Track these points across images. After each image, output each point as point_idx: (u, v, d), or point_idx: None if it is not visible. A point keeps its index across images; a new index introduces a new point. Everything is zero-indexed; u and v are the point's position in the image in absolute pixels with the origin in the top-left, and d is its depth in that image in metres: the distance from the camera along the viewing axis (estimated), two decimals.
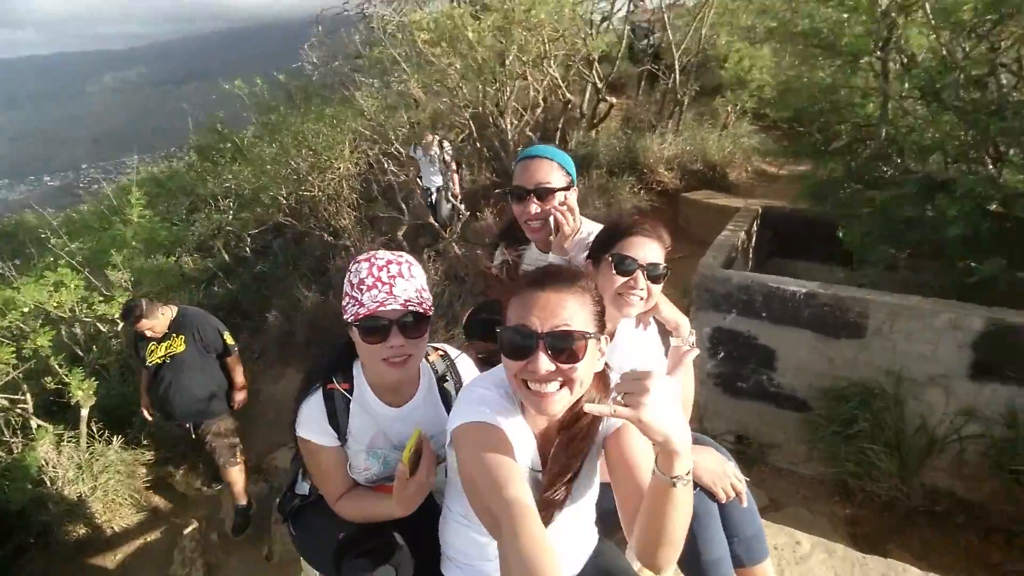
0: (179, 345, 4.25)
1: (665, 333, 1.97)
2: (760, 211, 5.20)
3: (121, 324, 5.60)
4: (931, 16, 3.57)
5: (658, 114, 9.14)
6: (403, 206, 7.22)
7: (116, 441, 5.25)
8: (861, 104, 4.28)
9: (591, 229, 2.05)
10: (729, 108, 8.30)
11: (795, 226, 5.16)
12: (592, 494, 1.49)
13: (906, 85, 3.99)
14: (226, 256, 8.99)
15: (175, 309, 4.38)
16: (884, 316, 3.32)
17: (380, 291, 1.52)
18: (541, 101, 6.86)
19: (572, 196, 2.05)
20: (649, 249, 1.74)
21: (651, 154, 7.40)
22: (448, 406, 1.77)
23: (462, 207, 7.11)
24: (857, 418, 3.41)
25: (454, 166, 7.13)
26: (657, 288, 1.77)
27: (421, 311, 1.55)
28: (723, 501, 1.73)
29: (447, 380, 1.79)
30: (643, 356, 1.88)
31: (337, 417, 1.64)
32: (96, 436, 5.17)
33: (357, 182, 8.02)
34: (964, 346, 3.15)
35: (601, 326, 1.32)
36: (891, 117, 4.03)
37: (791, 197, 5.88)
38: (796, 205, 5.21)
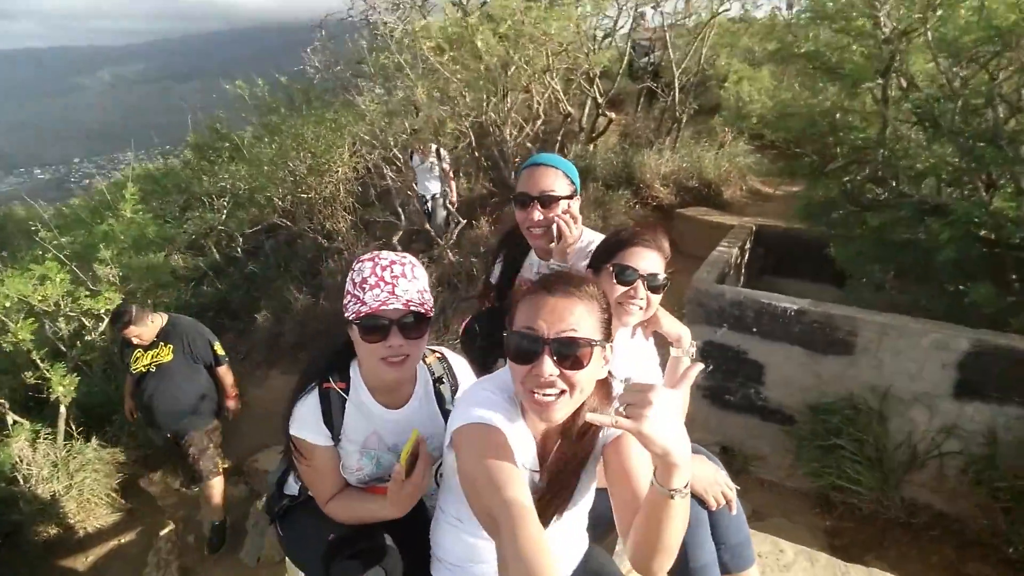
0: (167, 355, 4.15)
1: (661, 344, 1.99)
2: (754, 229, 5.26)
3: (107, 321, 5.55)
4: (932, 44, 3.64)
5: (656, 131, 9.22)
6: (400, 211, 7.23)
7: (95, 439, 5.19)
8: (859, 128, 4.35)
9: (592, 238, 2.08)
10: (727, 128, 8.39)
11: (788, 245, 5.22)
12: (588, 500, 1.49)
13: (904, 108, 4.06)
14: (217, 256, 8.96)
15: (165, 317, 4.29)
16: (873, 334, 3.36)
17: (382, 291, 1.52)
18: (541, 113, 6.91)
19: (575, 204, 2.08)
20: (649, 259, 1.77)
21: (648, 170, 7.46)
22: (444, 409, 1.77)
23: (456, 216, 7.14)
24: (841, 432, 3.44)
25: (451, 174, 7.16)
26: (657, 298, 1.79)
27: (422, 312, 1.56)
28: (714, 508, 1.74)
29: (443, 383, 1.79)
30: (639, 364, 1.90)
31: (332, 416, 1.63)
32: (75, 433, 5.10)
33: (354, 186, 8.03)
34: (949, 366, 3.19)
35: (607, 334, 1.33)
36: (888, 141, 4.09)
37: (785, 216, 5.95)
38: (790, 224, 5.27)
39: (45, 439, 4.90)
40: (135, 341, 4.10)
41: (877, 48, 3.96)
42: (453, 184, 7.24)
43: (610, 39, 9.11)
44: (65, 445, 4.95)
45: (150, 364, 4.13)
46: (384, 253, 1.60)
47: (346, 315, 1.55)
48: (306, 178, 7.45)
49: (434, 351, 1.83)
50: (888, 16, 3.86)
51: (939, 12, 3.60)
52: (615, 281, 1.74)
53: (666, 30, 8.91)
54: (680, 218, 6.79)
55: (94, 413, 5.52)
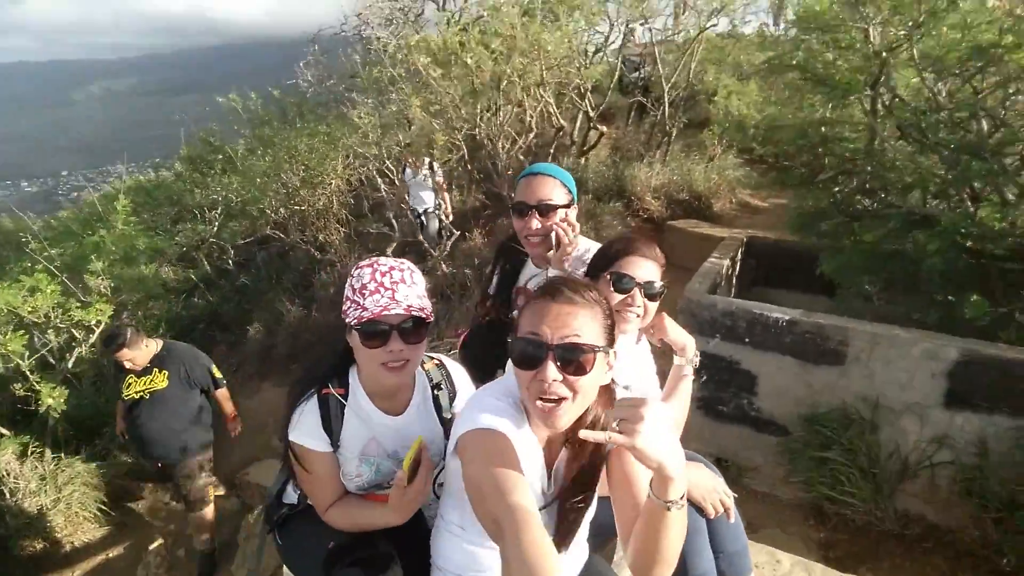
0: (161, 381, 4.02)
1: (661, 353, 2.01)
2: (745, 240, 5.31)
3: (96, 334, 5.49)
4: (918, 59, 3.72)
5: (646, 144, 9.32)
6: (393, 223, 7.24)
7: (84, 452, 5.13)
8: (849, 139, 4.42)
9: (588, 246, 2.11)
10: (716, 141, 8.50)
11: (778, 256, 5.27)
12: (592, 510, 1.50)
13: (890, 122, 4.14)
14: (208, 268, 8.92)
15: (160, 343, 4.16)
16: (864, 344, 3.39)
17: (383, 296, 1.54)
18: (534, 126, 6.97)
19: (572, 213, 2.11)
20: (646, 268, 1.79)
21: (639, 182, 7.53)
22: (441, 416, 1.77)
23: (451, 228, 7.16)
24: (833, 443, 3.45)
25: (445, 187, 7.20)
26: (654, 306, 1.82)
27: (423, 316, 1.57)
28: (712, 516, 1.75)
29: (442, 389, 1.79)
30: (638, 371, 1.91)
31: (331, 422, 1.63)
32: (63, 446, 5.04)
33: (347, 198, 8.05)
34: (939, 375, 3.22)
35: (611, 340, 1.34)
36: (876, 153, 4.16)
37: (774, 228, 6.01)
38: (780, 236, 5.32)
39: (33, 452, 4.83)
40: (127, 365, 3.96)
41: (866, 60, 4.04)
42: (447, 196, 7.27)
43: (601, 54, 9.23)
44: (53, 458, 4.89)
45: (143, 391, 3.99)
46: (382, 259, 1.61)
47: (347, 321, 1.56)
48: (299, 190, 7.47)
49: (432, 358, 1.84)
50: (877, 30, 3.94)
51: (924, 28, 3.68)
52: (612, 289, 1.76)
53: (655, 46, 9.03)
54: (671, 230, 6.84)
55: (83, 426, 5.47)
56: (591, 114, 8.00)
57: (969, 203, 3.76)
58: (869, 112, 4.24)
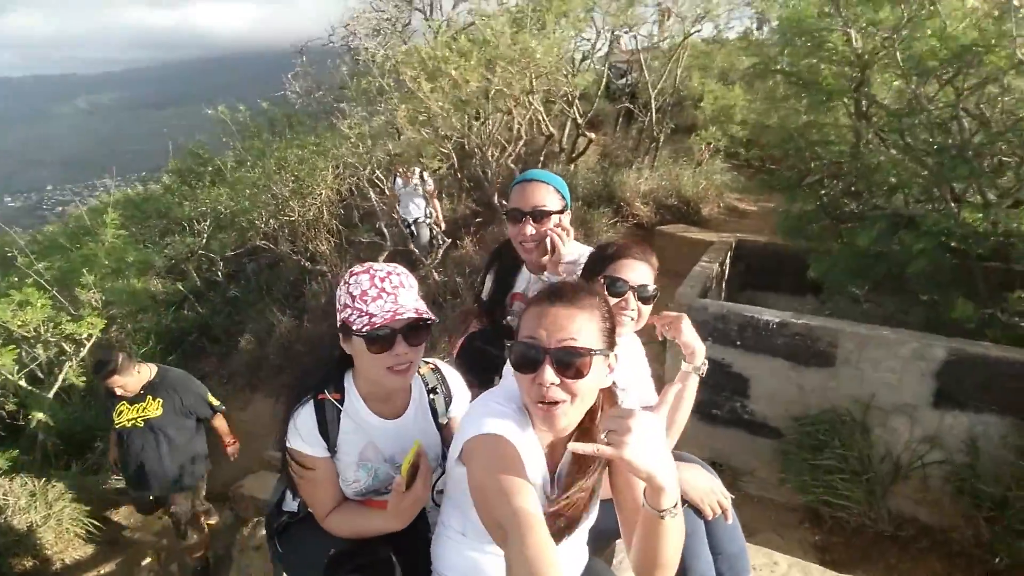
0: (155, 409, 3.81)
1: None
2: (734, 244, 5.36)
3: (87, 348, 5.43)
4: (901, 62, 3.78)
5: (634, 150, 9.40)
6: (384, 231, 7.25)
7: (75, 467, 5.07)
8: (834, 142, 4.49)
9: (581, 251, 2.13)
10: (704, 146, 8.59)
11: (767, 259, 5.32)
12: (592, 514, 1.51)
13: (871, 123, 4.20)
14: (198, 280, 8.87)
15: (154, 369, 3.94)
16: (853, 345, 3.43)
17: (387, 301, 1.54)
18: (523, 134, 7.01)
19: (566, 218, 2.14)
20: (639, 271, 1.81)
21: (628, 188, 7.59)
22: (437, 420, 1.78)
23: (442, 236, 7.18)
24: (826, 445, 3.48)
25: (435, 196, 7.22)
26: (647, 309, 1.83)
27: (428, 319, 1.58)
28: (710, 518, 1.76)
29: (437, 393, 1.80)
30: (633, 372, 1.93)
31: (327, 427, 1.63)
32: (54, 461, 4.98)
33: (338, 208, 8.05)
34: (928, 375, 3.27)
35: (610, 343, 1.35)
36: (861, 155, 4.23)
37: (762, 232, 6.07)
38: (769, 239, 5.37)
39: (22, 468, 4.76)
40: (119, 392, 3.74)
41: (849, 65, 4.11)
42: (437, 205, 7.29)
43: (588, 61, 9.32)
44: (44, 473, 4.83)
45: (136, 419, 3.79)
46: (378, 265, 1.62)
47: (353, 328, 1.54)
48: (289, 201, 7.45)
49: (427, 362, 1.84)
50: (859, 34, 4.01)
51: (904, 32, 3.75)
52: (606, 293, 1.77)
53: (641, 52, 9.13)
54: (660, 235, 6.90)
55: (74, 440, 5.40)
56: (580, 121, 8.06)
57: (952, 204, 3.82)
58: (853, 115, 4.31)
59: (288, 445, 1.64)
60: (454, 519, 1.51)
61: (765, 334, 3.66)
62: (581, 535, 1.55)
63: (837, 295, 4.35)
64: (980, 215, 3.60)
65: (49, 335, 5.19)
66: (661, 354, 4.12)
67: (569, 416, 1.32)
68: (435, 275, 6.62)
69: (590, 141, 8.30)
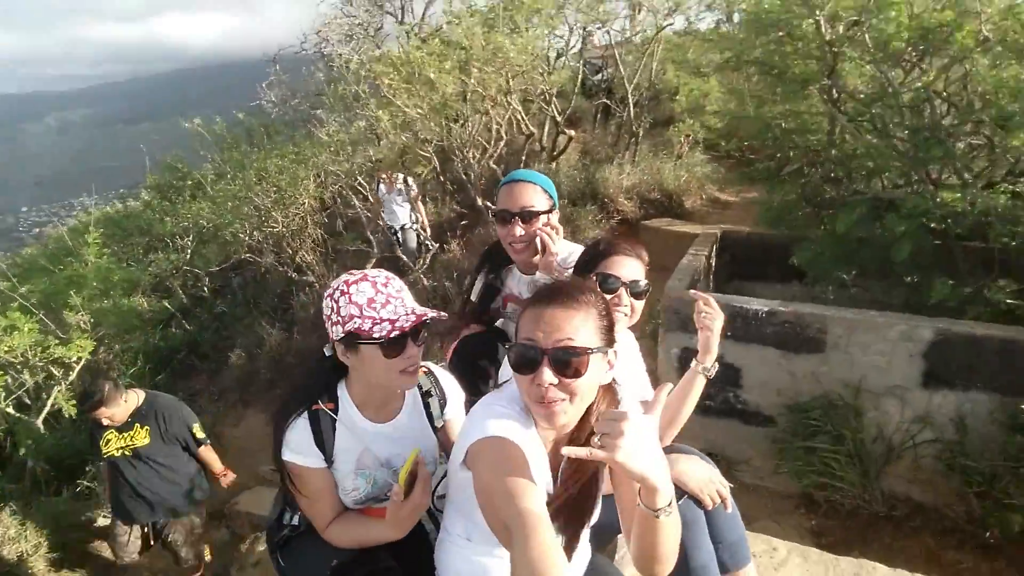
0: (142, 437, 3.66)
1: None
2: (719, 235, 5.40)
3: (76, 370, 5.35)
4: (870, 46, 3.83)
5: (614, 146, 9.44)
6: (371, 239, 7.22)
7: (66, 492, 4.99)
8: (811, 130, 4.54)
9: (571, 249, 2.15)
10: (683, 138, 8.65)
11: (752, 249, 5.36)
12: (597, 510, 1.53)
13: (846, 109, 4.25)
14: (184, 297, 8.79)
15: (141, 396, 3.79)
16: (842, 330, 3.47)
17: (396, 305, 1.56)
18: (503, 135, 7.02)
19: (555, 217, 2.15)
20: (631, 267, 1.83)
21: (610, 184, 7.63)
22: (433, 423, 1.79)
23: (429, 241, 7.17)
24: (819, 430, 3.52)
25: (419, 201, 7.20)
26: (640, 304, 1.85)
27: (432, 317, 1.58)
28: (710, 508, 1.79)
29: (432, 396, 1.80)
30: (628, 368, 1.95)
31: (323, 437, 1.63)
32: (44, 487, 4.90)
33: (321, 217, 8.00)
34: (916, 356, 3.31)
35: (609, 340, 1.37)
36: (838, 141, 4.28)
37: (745, 222, 6.13)
38: (753, 229, 5.42)
39: (11, 496, 4.68)
40: (105, 422, 3.60)
41: (819, 51, 4.15)
42: (422, 209, 7.28)
43: (563, 58, 9.35)
44: (33, 501, 4.75)
45: (124, 447, 3.65)
46: (373, 271, 1.63)
47: (373, 335, 1.53)
48: (271, 212, 7.40)
49: (421, 366, 1.85)
50: (827, 20, 4.05)
51: (871, 17, 3.80)
52: (599, 289, 1.79)
53: (615, 47, 9.17)
54: (645, 230, 6.94)
55: (63, 465, 5.31)
56: (559, 119, 8.09)
57: (931, 186, 3.89)
58: (828, 101, 4.36)
59: (284, 458, 1.64)
60: (458, 524, 1.52)
61: (755, 323, 3.69)
62: (586, 530, 1.57)
63: (823, 281, 4.39)
64: (958, 195, 3.66)
65: (37, 360, 5.10)
66: (653, 348, 4.15)
67: (569, 414, 1.33)
68: (424, 280, 6.61)
69: (570, 139, 8.33)
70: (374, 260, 7.06)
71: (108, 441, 3.63)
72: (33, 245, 11.51)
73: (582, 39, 9.64)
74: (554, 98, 7.95)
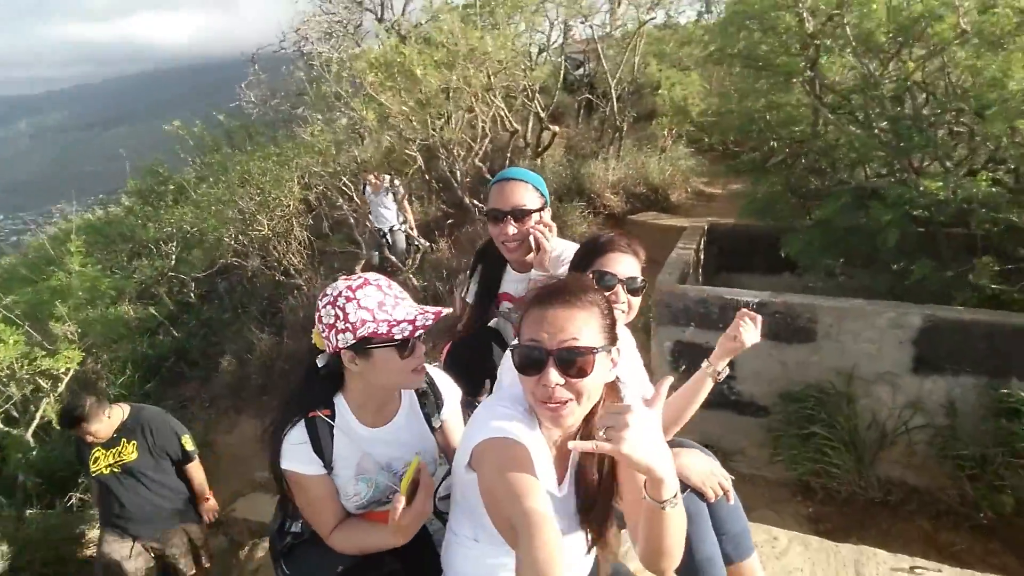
0: (130, 452, 3.52)
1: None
2: (706, 228, 5.44)
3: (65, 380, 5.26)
4: (852, 39, 3.87)
5: (598, 141, 9.45)
6: (360, 240, 7.18)
7: (58, 505, 4.92)
8: (795, 121, 4.59)
9: (564, 247, 2.14)
10: (666, 132, 8.68)
11: (739, 241, 5.41)
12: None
13: (828, 101, 4.30)
14: (170, 304, 8.68)
15: (127, 409, 3.65)
16: (832, 319, 3.52)
17: (404, 308, 1.56)
18: (488, 132, 7.01)
19: (547, 215, 2.14)
20: (627, 264, 1.83)
21: (596, 179, 7.66)
22: (430, 424, 1.79)
23: (420, 241, 7.15)
24: (813, 419, 3.57)
25: (406, 201, 7.17)
26: (636, 301, 1.85)
27: (436, 314, 1.59)
28: (712, 500, 1.80)
29: (428, 397, 1.80)
30: (627, 365, 1.95)
31: (321, 443, 1.62)
32: (35, 501, 4.83)
33: (307, 218, 7.94)
34: (906, 342, 3.37)
35: (612, 338, 1.37)
36: (821, 133, 4.33)
37: (730, 214, 6.17)
38: (739, 221, 5.47)
39: (1, 509, 4.62)
40: (89, 439, 3.45)
41: (801, 43, 4.19)
42: (409, 209, 7.24)
43: (545, 54, 9.33)
44: (24, 515, 4.68)
45: (113, 464, 3.52)
46: (370, 275, 1.62)
47: (393, 337, 1.52)
48: (256, 215, 7.32)
49: None
50: (809, 12, 4.09)
51: (852, 10, 3.85)
52: (596, 287, 1.80)
53: (597, 42, 9.17)
54: (633, 224, 6.97)
55: (54, 478, 5.23)
56: (542, 115, 8.09)
57: (914, 175, 3.95)
58: (811, 93, 4.41)
59: (283, 467, 1.62)
60: (465, 526, 1.52)
61: None
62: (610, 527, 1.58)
63: (812, 270, 4.44)
64: (940, 184, 3.72)
65: (24, 372, 5.01)
66: (646, 343, 4.18)
67: (576, 415, 1.34)
68: (414, 280, 6.59)
69: (554, 134, 8.33)
70: (363, 261, 7.02)
71: (96, 459, 3.50)
72: (12, 254, 11.27)
73: (563, 33, 9.63)
74: (536, 94, 7.95)
